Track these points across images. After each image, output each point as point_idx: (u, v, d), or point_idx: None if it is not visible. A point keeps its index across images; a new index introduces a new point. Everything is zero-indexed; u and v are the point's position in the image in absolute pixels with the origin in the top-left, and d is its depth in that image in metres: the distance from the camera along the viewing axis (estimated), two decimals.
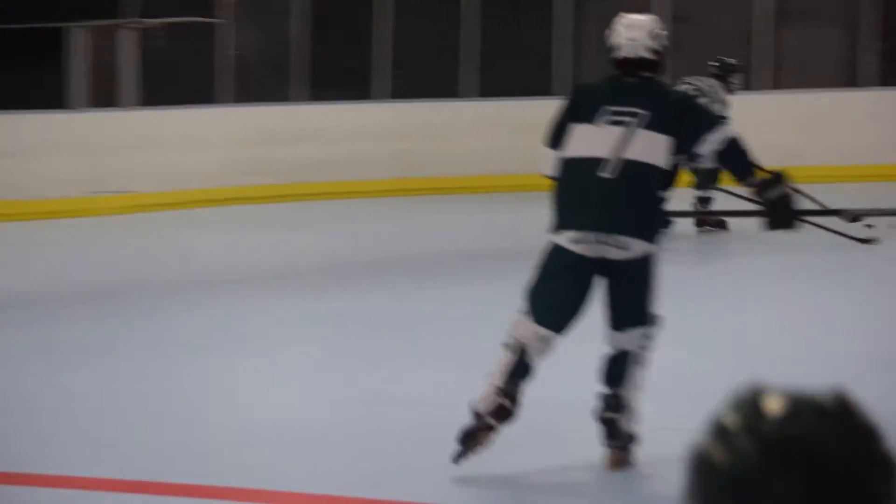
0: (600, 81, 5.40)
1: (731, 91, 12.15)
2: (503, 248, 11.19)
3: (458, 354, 7.11)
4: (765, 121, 14.66)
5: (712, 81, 12.14)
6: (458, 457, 5.04)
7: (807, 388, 1.31)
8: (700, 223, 11.83)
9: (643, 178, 5.04)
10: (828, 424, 1.32)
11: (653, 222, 5.12)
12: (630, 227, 5.01)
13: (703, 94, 11.73)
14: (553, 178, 5.18)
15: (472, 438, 5.05)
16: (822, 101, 16.55)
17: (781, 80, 17.14)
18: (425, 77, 16.42)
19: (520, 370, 5.08)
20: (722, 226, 11.79)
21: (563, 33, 16.69)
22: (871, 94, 16.75)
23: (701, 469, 1.34)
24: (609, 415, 5.12)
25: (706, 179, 11.63)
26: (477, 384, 5.04)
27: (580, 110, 5.18)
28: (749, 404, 1.34)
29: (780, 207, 5.17)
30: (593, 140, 5.09)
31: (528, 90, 16.02)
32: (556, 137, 5.21)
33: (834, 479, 1.31)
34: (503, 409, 5.04)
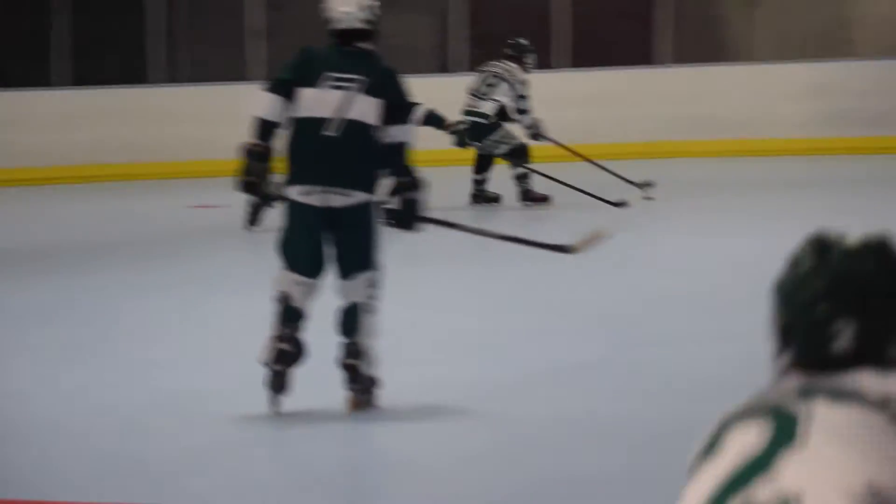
0: (323, 48, 5.76)
1: (527, 71, 12.88)
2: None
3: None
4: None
5: (510, 65, 12.87)
6: (271, 404, 5.55)
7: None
8: (525, 198, 12.48)
9: (362, 135, 5.57)
10: (878, 261, 1.71)
11: (371, 174, 5.61)
12: (351, 179, 5.54)
13: (503, 79, 12.76)
14: (271, 125, 5.63)
15: (271, 386, 5.54)
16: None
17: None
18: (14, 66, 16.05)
19: (289, 315, 5.55)
20: (545, 200, 12.47)
21: (156, 24, 16.55)
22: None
23: (779, 295, 1.73)
24: (350, 361, 5.54)
25: (517, 156, 12.52)
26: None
27: (306, 75, 5.62)
28: (817, 244, 1.73)
29: (407, 211, 5.67)
30: (318, 103, 5.58)
31: (124, 79, 15.89)
32: (278, 87, 5.64)
33: (881, 308, 1.69)
34: (283, 352, 5.53)
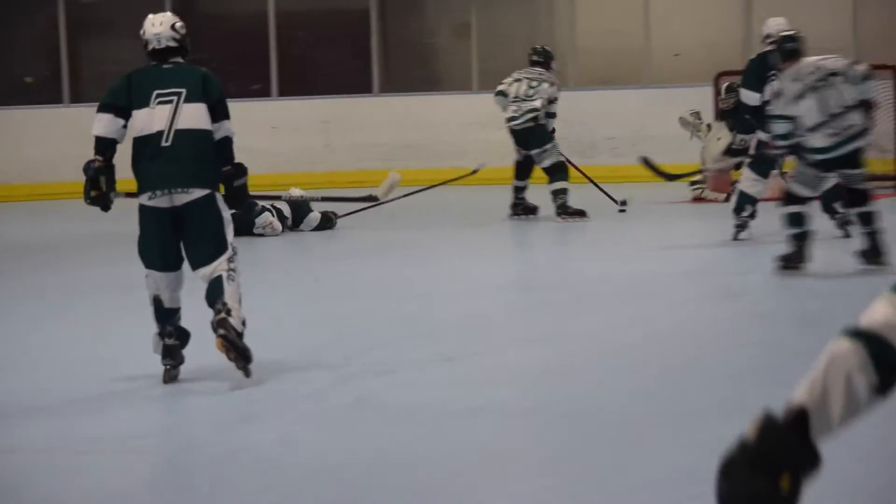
0: (146, 70, 6.46)
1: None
2: None
3: None
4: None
5: (540, 70, 13.30)
6: (167, 381, 6.35)
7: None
8: (562, 212, 12.88)
9: (193, 140, 6.29)
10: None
11: (209, 171, 6.33)
12: (190, 178, 6.25)
13: (543, 80, 13.23)
14: (107, 141, 6.33)
15: (165, 379, 6.35)
16: None
17: None
18: None
19: (162, 313, 6.36)
20: (582, 214, 12.90)
21: None
22: None
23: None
24: (221, 316, 6.13)
25: (558, 171, 13.01)
26: None
27: (136, 98, 6.34)
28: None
29: (240, 190, 6.46)
30: (151, 120, 6.30)
31: None
32: (110, 106, 6.33)
33: None
34: (167, 347, 6.37)
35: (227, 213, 6.35)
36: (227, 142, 6.41)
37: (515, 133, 13.12)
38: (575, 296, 8.65)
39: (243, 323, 6.21)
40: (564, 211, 12.88)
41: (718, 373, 6.19)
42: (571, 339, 7.10)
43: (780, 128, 9.19)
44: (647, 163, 10.84)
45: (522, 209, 13.37)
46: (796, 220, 9.30)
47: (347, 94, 18.56)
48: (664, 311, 7.95)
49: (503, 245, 12.05)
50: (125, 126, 6.34)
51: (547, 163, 13.01)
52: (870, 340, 2.70)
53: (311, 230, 12.84)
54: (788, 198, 9.37)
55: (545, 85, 13.21)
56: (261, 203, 12.48)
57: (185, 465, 5.14)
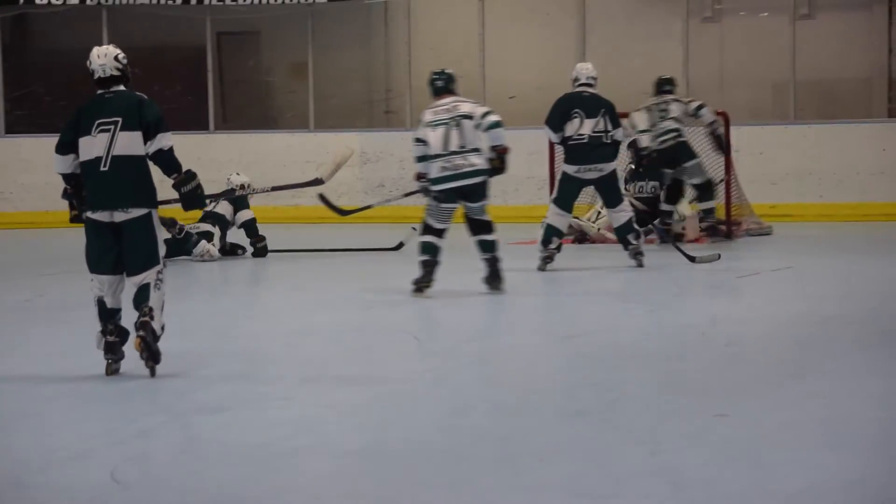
0: (92, 100, 7.28)
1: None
2: None
3: None
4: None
5: (669, 98, 14.10)
6: (109, 373, 7.16)
7: None
8: (710, 233, 14.13)
9: (128, 165, 7.14)
10: None
11: (143, 193, 7.16)
12: (126, 199, 7.13)
13: (675, 101, 14.15)
14: (68, 176, 7.27)
15: (108, 372, 7.16)
16: None
17: None
18: None
19: (105, 312, 7.23)
20: (729, 236, 14.24)
21: None
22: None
23: None
24: (143, 319, 7.02)
25: (707, 191, 14.08)
26: None
27: (80, 128, 7.20)
28: None
29: (193, 195, 7.38)
30: (91, 147, 7.16)
31: None
32: (63, 146, 7.24)
33: None
34: (109, 343, 7.19)
35: (160, 232, 7.25)
36: (161, 154, 7.18)
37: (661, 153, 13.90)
38: (418, 336, 8.66)
39: (162, 328, 7.14)
40: (712, 232, 14.20)
41: (550, 414, 6.24)
42: (405, 379, 7.10)
43: (415, 150, 10.18)
44: (323, 200, 12.08)
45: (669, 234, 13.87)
46: (428, 248, 10.50)
47: (183, 131, 18.42)
48: (498, 352, 8.00)
49: (345, 281, 12.04)
50: (77, 156, 7.23)
51: (697, 180, 13.99)
52: None
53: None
54: (424, 228, 10.52)
55: (674, 105, 14.12)
56: (194, 233, 13.11)
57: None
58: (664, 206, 14.10)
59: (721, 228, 14.22)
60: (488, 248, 10.55)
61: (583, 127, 11.95)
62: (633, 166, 14.40)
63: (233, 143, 18.54)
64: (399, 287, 10.86)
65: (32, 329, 9.23)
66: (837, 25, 18.36)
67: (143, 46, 19.20)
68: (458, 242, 12.76)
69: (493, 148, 10.47)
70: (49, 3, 19.21)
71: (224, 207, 13.65)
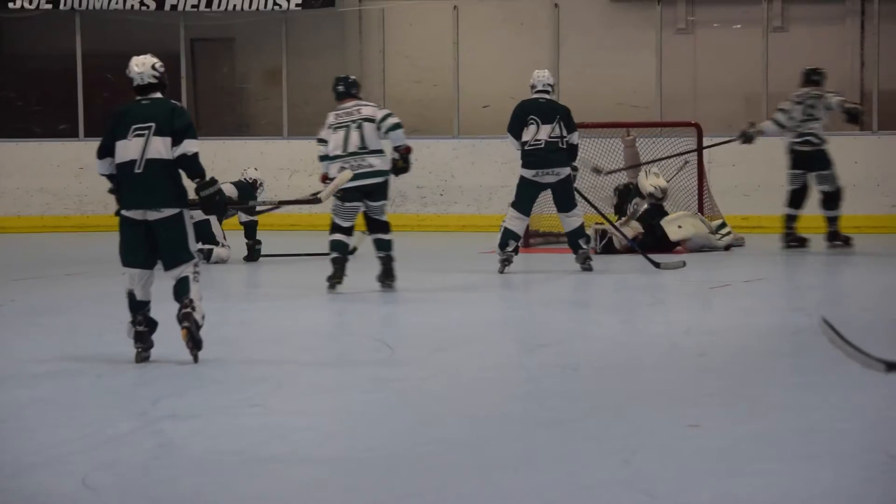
0: (129, 105, 7.86)
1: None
2: None
3: None
4: None
5: (816, 93, 14.05)
6: (138, 359, 7.72)
7: None
8: (832, 238, 14.13)
9: (160, 168, 7.73)
10: None
11: (174, 194, 7.75)
12: (159, 200, 7.72)
13: (820, 96, 14.06)
14: (109, 176, 7.86)
15: (137, 359, 7.71)
16: None
17: None
18: None
19: (135, 304, 7.77)
20: (849, 243, 14.14)
21: None
22: None
23: None
24: (185, 310, 7.64)
25: (835, 200, 14.05)
26: None
27: (118, 130, 7.79)
28: None
29: (211, 200, 7.90)
30: (127, 150, 7.77)
31: None
32: (103, 150, 7.83)
33: None
34: (139, 333, 7.76)
35: (191, 229, 7.81)
36: (185, 158, 7.75)
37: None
38: (389, 345, 8.66)
39: (202, 317, 7.70)
40: (835, 238, 14.13)
41: (521, 424, 6.25)
42: (376, 388, 7.10)
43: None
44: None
45: (794, 239, 13.78)
46: (336, 246, 11.10)
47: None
48: (469, 360, 8.01)
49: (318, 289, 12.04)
50: (114, 159, 7.80)
51: (827, 187, 14.08)
52: None
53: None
54: (333, 227, 11.11)
55: (821, 101, 14.10)
56: (204, 246, 13.53)
57: None
58: (789, 211, 14.16)
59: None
60: (384, 246, 11.22)
61: (539, 133, 12.31)
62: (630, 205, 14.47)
63: (206, 149, 18.48)
64: (367, 292, 10.87)
65: (4, 333, 9.20)
66: (810, 38, 18.45)
67: (116, 52, 19.11)
68: (434, 249, 12.79)
69: (396, 149, 11.14)
70: (22, 7, 19.16)
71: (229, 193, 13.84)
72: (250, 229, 14.05)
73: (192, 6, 19.07)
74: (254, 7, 19.17)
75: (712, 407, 6.46)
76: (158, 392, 6.95)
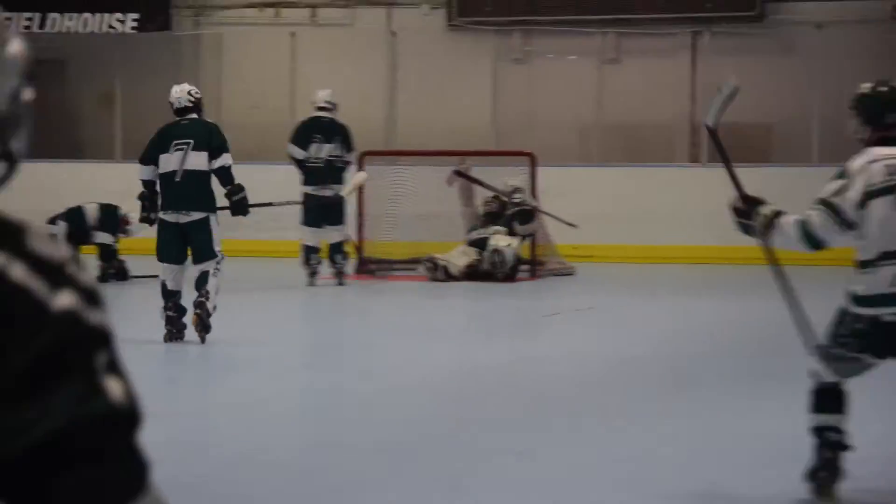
0: (171, 124, 9.39)
1: None
2: None
3: None
4: None
5: None
6: (168, 340, 9.18)
7: None
8: None
9: (196, 178, 9.19)
10: None
11: (205, 200, 9.19)
12: (192, 204, 9.16)
13: None
14: (147, 181, 9.36)
15: (168, 338, 9.13)
16: None
17: None
18: None
19: (167, 293, 9.15)
20: None
21: None
22: None
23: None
24: (200, 299, 8.97)
25: None
26: None
27: (161, 145, 9.29)
28: None
29: (238, 203, 9.54)
30: (168, 162, 9.25)
31: None
32: (146, 159, 9.34)
33: None
34: (170, 317, 9.12)
35: (217, 232, 9.16)
36: (223, 169, 9.31)
37: None
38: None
39: (214, 308, 8.99)
40: None
41: (356, 449, 6.27)
42: (203, 412, 7.06)
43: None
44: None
45: None
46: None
47: None
48: (305, 388, 8.00)
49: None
50: (157, 167, 9.26)
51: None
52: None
53: None
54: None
55: None
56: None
57: None
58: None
59: None
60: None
61: (321, 151, 13.45)
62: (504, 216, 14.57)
63: (38, 171, 18.20)
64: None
65: None
66: (643, 71, 18.75)
67: None
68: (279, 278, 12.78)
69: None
70: None
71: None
72: (107, 253, 13.60)
73: (24, 27, 18.79)
74: (88, 29, 18.96)
75: (541, 435, 6.53)
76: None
